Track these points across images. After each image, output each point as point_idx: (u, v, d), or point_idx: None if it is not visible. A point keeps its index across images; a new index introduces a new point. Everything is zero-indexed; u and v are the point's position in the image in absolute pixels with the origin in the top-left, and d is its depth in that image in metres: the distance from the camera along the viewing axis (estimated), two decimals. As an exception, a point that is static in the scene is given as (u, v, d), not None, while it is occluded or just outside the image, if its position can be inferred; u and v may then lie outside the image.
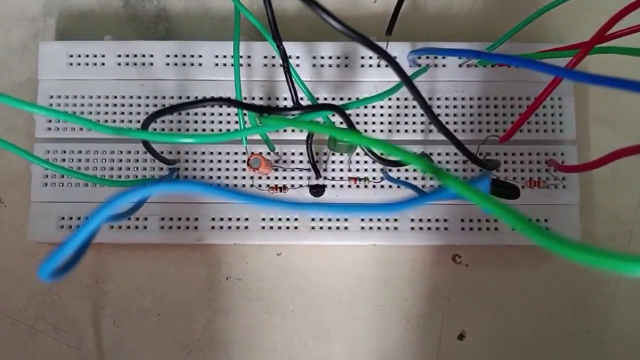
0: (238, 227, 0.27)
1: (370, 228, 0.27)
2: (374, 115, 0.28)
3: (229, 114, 0.28)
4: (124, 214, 0.22)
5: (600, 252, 0.10)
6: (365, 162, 0.28)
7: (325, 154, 0.28)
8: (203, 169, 0.27)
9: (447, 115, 0.28)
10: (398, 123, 0.28)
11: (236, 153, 0.28)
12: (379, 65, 0.28)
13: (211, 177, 0.27)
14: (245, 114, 0.24)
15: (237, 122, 0.28)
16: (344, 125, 0.21)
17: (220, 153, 0.28)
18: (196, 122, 0.28)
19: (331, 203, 0.14)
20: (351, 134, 0.13)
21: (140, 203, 0.22)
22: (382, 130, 0.28)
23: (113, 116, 0.28)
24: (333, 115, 0.18)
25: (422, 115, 0.28)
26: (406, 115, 0.28)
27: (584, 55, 0.22)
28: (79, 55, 0.28)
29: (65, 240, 0.12)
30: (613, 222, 0.30)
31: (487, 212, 0.12)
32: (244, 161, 0.27)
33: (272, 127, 0.19)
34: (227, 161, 0.28)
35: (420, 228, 0.27)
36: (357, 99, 0.27)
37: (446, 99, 0.28)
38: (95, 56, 0.28)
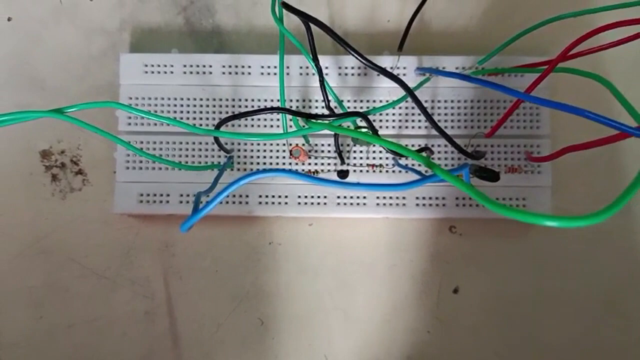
0: (280, 203, 0.33)
1: (384, 204, 0.33)
2: (387, 114, 0.34)
3: (271, 119, 0.34)
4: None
5: (511, 209, 0.17)
6: (380, 152, 0.34)
7: (348, 145, 0.34)
8: (252, 157, 0.34)
9: (446, 115, 0.34)
10: (406, 121, 0.34)
11: (278, 144, 0.34)
12: (392, 74, 0.35)
13: (259, 164, 0.34)
14: (289, 119, 0.31)
15: (277, 125, 0.34)
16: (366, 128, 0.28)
17: (265, 144, 0.34)
18: (246, 119, 0.35)
19: (366, 183, 0.20)
20: (372, 137, 0.19)
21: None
22: (394, 127, 0.34)
23: (180, 115, 0.34)
24: (361, 120, 0.25)
25: (426, 114, 0.34)
26: (413, 114, 0.34)
27: (548, 72, 0.27)
28: (152, 65, 0.34)
29: (200, 209, 0.20)
30: (583, 201, 0.34)
31: (461, 189, 0.19)
32: (284, 151, 0.34)
33: (316, 129, 0.25)
34: (271, 151, 0.34)
35: (424, 204, 0.33)
36: (374, 107, 0.33)
37: (445, 101, 0.34)
38: (165, 66, 0.34)
